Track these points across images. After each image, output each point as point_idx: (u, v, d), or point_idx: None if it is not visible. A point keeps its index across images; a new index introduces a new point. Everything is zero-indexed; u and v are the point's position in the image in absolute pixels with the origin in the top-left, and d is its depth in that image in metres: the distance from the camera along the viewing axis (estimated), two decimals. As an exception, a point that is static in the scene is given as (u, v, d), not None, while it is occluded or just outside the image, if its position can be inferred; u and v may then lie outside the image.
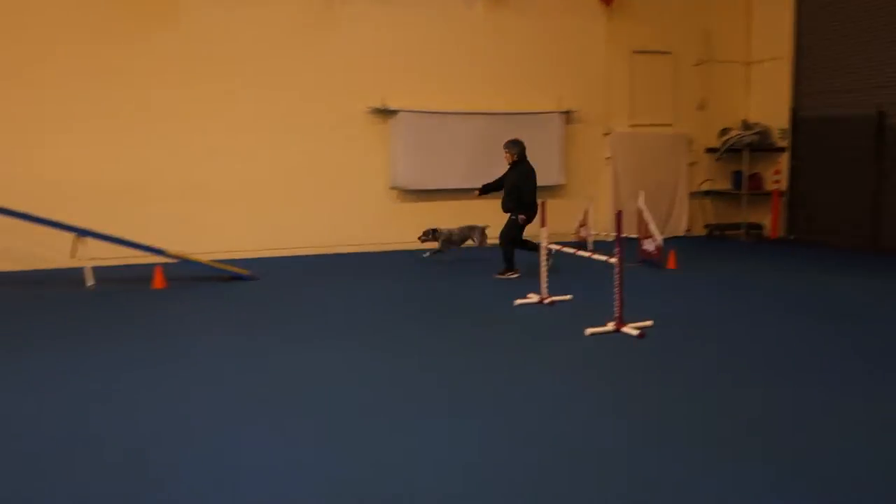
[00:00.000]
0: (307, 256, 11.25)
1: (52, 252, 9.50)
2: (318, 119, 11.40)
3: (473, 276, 9.65)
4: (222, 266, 9.65)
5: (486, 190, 9.71)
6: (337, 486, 3.75)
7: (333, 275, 9.97)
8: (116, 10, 10.38)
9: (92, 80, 10.35)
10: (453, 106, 12.02)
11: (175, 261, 9.51)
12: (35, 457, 4.16)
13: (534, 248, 9.51)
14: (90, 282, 8.99)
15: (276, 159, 11.26)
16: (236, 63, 10.95)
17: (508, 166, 9.47)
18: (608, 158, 13.25)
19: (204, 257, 9.89)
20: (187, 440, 4.37)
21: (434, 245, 10.65)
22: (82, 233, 9.06)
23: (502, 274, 9.52)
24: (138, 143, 10.59)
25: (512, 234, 9.43)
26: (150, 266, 9.32)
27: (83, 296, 8.69)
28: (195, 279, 9.44)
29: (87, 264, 9.06)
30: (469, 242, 10.73)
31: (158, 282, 9.04)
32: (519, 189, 9.28)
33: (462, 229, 10.61)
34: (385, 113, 11.72)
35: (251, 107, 11.08)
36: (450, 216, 11.16)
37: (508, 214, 9.41)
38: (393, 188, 11.86)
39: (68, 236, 9.12)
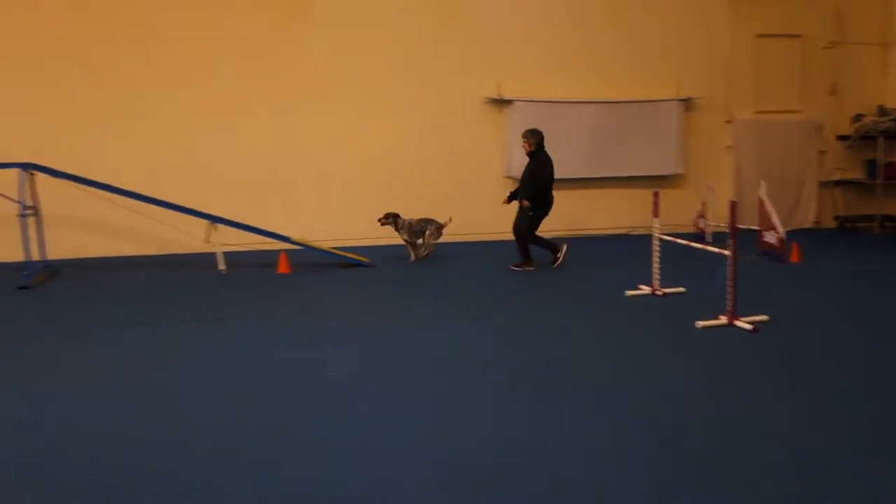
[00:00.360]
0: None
1: (189, 238, 10.18)
2: (436, 108, 11.62)
3: (580, 266, 9.64)
4: (342, 253, 10.06)
5: (514, 197, 9.56)
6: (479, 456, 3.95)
7: (447, 263, 10.19)
8: (257, 2, 10.98)
9: (227, 75, 10.95)
10: (569, 95, 11.97)
11: (299, 247, 10.01)
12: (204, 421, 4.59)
13: (547, 245, 9.52)
14: (222, 266, 9.60)
15: (394, 148, 11.56)
16: (359, 52, 11.31)
17: (527, 156, 9.35)
18: (729, 147, 12.84)
19: (325, 244, 10.35)
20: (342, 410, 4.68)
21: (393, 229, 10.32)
22: (215, 220, 9.67)
23: (518, 266, 9.41)
24: (266, 134, 11.14)
25: (523, 225, 9.33)
26: (276, 252, 9.84)
27: (217, 278, 9.30)
28: (317, 265, 9.90)
29: (219, 249, 9.68)
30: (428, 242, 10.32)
31: (283, 266, 9.56)
32: (534, 177, 9.17)
33: (419, 222, 10.28)
34: (500, 103, 11.83)
35: (371, 96, 11.42)
36: (564, 207, 11.15)
37: (518, 204, 9.36)
38: (507, 178, 11.97)
39: (203, 223, 9.77)
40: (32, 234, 9.21)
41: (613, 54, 12.17)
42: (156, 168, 10.63)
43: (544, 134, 9.35)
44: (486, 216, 11.71)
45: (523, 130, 9.51)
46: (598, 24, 12.11)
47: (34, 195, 9.34)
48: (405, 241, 10.30)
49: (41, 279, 9.12)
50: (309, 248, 10.07)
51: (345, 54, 11.30)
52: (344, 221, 11.27)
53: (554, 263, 9.47)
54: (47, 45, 10.40)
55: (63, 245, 10.13)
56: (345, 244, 10.65)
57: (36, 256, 9.30)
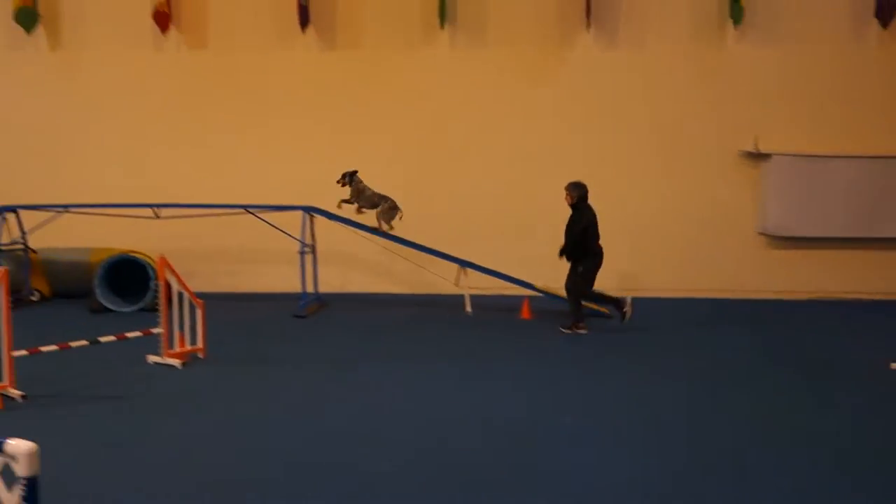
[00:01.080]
0: (665, 299, 11.29)
1: (439, 280, 10.86)
2: (688, 160, 11.45)
3: (848, 330, 8.91)
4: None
5: (564, 252, 9.06)
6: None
7: (693, 319, 9.92)
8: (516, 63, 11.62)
9: (486, 127, 11.62)
10: (833, 149, 11.22)
11: (541, 294, 10.28)
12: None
13: (609, 300, 9.13)
14: (468, 308, 10.12)
15: (643, 199, 11.52)
16: (606, 107, 11.49)
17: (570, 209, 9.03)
18: None
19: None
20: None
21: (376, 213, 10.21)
22: (465, 265, 10.25)
23: (569, 328, 8.96)
24: (516, 183, 11.61)
25: (574, 283, 8.94)
26: (520, 297, 10.18)
27: (464, 319, 9.82)
28: (558, 313, 10.09)
29: (467, 292, 10.22)
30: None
31: (526, 312, 9.87)
32: (568, 231, 8.88)
33: (376, 195, 10.09)
34: (757, 156, 11.37)
35: (623, 148, 11.51)
36: (829, 267, 10.48)
37: (569, 263, 8.99)
38: (761, 234, 11.42)
39: (453, 266, 10.39)
40: (309, 269, 10.37)
41: (878, 107, 11.23)
42: (415, 213, 11.44)
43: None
44: (741, 272, 11.30)
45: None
46: (870, 72, 11.27)
47: (313, 235, 10.53)
48: (355, 203, 10.12)
49: (314, 310, 10.22)
50: (551, 296, 10.31)
51: (592, 110, 11.53)
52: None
53: (623, 319, 9.04)
54: (331, 97, 11.73)
55: (331, 280, 11.25)
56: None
57: (310, 289, 10.44)
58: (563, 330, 9.02)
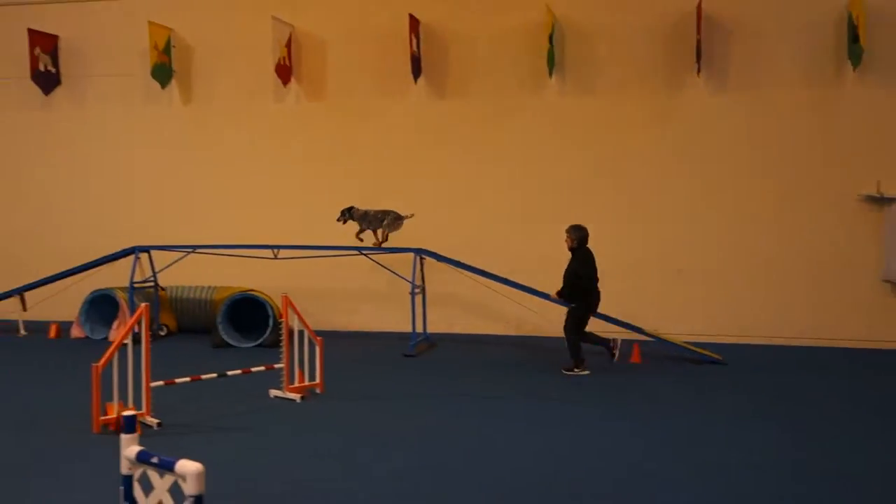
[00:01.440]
0: (780, 346, 10.93)
1: (543, 321, 10.89)
2: (806, 204, 11.11)
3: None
4: (694, 348, 9.99)
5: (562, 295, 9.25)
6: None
7: (810, 368, 9.57)
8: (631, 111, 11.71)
9: (597, 171, 11.71)
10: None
11: (651, 339, 10.16)
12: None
13: (598, 341, 9.37)
14: (575, 351, 10.10)
15: (755, 243, 11.26)
16: (720, 149, 11.35)
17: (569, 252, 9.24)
18: None
19: (677, 338, 10.37)
20: None
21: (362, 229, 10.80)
22: (568, 305, 10.25)
23: (569, 370, 9.06)
24: (622, 227, 11.56)
25: (570, 324, 9.10)
26: (629, 342, 10.10)
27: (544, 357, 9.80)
28: (669, 358, 9.94)
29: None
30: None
31: (636, 356, 9.78)
32: (575, 276, 9.03)
33: (378, 213, 10.71)
34: (880, 201, 10.95)
35: (730, 192, 11.32)
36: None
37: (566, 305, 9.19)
38: (886, 281, 10.93)
39: (559, 308, 10.40)
40: (418, 309, 10.62)
41: None
42: (524, 255, 11.56)
43: None
44: (858, 322, 10.87)
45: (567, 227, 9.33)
46: None
47: (423, 276, 10.80)
48: (361, 227, 10.78)
49: (423, 349, 10.44)
50: (661, 341, 10.17)
51: (701, 154, 11.41)
52: (699, 317, 11.21)
53: (614, 359, 9.35)
54: (440, 144, 12.09)
55: (438, 320, 11.46)
56: (699, 339, 10.57)
57: (419, 329, 10.68)
58: (564, 372, 9.10)
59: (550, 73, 11.48)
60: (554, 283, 10.75)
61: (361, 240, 10.88)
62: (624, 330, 10.21)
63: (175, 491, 2.80)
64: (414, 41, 11.66)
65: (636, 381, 8.82)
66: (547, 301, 10.25)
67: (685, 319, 11.20)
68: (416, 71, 11.79)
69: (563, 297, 9.21)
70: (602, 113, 11.65)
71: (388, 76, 12.15)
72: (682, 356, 9.95)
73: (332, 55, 12.41)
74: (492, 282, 10.59)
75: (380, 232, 10.83)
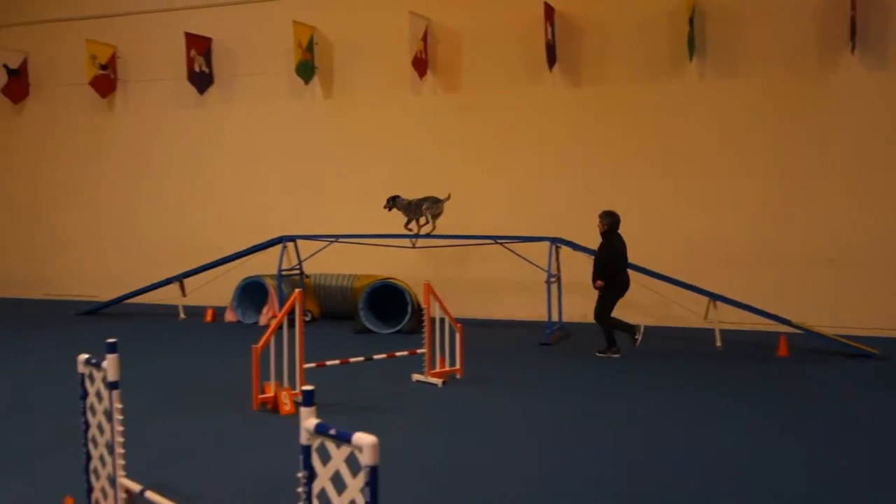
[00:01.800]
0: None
1: (686, 312, 10.64)
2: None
3: None
4: (847, 342, 9.48)
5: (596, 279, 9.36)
6: None
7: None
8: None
9: (738, 157, 11.32)
10: None
11: (800, 331, 9.73)
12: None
13: (624, 327, 9.33)
14: (718, 343, 9.81)
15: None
16: (872, 133, 10.70)
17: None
18: None
19: (828, 330, 9.88)
20: None
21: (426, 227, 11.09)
22: (715, 297, 9.97)
23: (602, 353, 9.31)
24: (769, 214, 11.11)
25: (601, 309, 9.28)
26: (775, 334, 9.71)
27: (713, 354, 9.53)
28: (819, 351, 9.49)
29: (717, 327, 9.91)
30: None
31: (783, 350, 9.39)
32: (605, 260, 9.18)
33: (418, 201, 11.05)
34: None
35: (889, 176, 10.66)
36: None
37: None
38: None
39: (701, 299, 10.14)
40: (554, 298, 10.62)
41: None
42: (664, 243, 11.32)
43: None
44: None
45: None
46: None
47: (558, 265, 10.79)
48: (413, 216, 11.14)
49: (558, 338, 10.44)
50: (811, 333, 9.72)
51: (856, 137, 10.77)
52: (851, 308, 10.62)
53: (634, 345, 9.29)
54: (577, 132, 12.02)
55: (574, 310, 11.42)
56: (851, 332, 10.03)
57: (555, 318, 10.68)
58: (597, 354, 9.36)
59: (691, 57, 11.16)
60: (701, 273, 10.55)
61: (411, 229, 11.21)
62: (772, 322, 9.85)
63: (351, 461, 2.98)
64: (549, 29, 11.63)
65: (779, 374, 8.49)
66: (686, 290, 10.04)
67: (836, 312, 10.63)
68: (551, 59, 11.76)
69: (596, 280, 9.31)
70: (746, 96, 11.22)
71: (523, 65, 12.18)
72: (833, 350, 9.47)
73: (467, 46, 12.57)
74: (629, 271, 10.44)
75: (422, 220, 11.12)
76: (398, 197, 11.33)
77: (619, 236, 9.43)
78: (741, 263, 11.14)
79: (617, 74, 11.82)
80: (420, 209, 11.08)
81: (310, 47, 13.11)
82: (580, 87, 12.02)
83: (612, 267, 9.26)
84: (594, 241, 10.66)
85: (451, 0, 12.60)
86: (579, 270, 11.17)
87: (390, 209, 11.36)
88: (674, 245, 11.32)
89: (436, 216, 11.03)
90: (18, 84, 15.18)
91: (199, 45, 13.85)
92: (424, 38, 12.45)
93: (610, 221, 9.39)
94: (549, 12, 11.67)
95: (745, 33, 11.18)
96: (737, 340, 10.03)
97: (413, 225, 11.25)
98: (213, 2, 13.90)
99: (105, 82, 14.46)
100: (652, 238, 11.35)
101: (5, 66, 15.05)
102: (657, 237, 11.42)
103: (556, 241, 10.63)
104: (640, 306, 11.53)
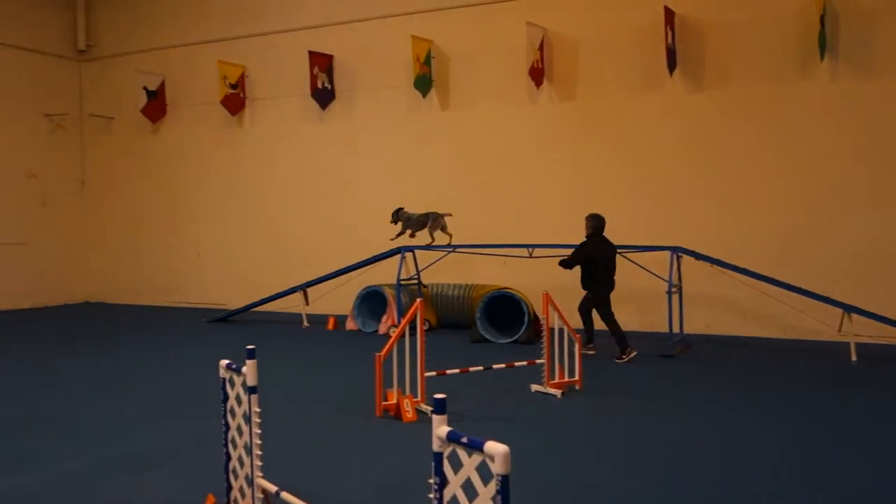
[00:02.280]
0: None
1: (818, 324, 10.12)
2: None
3: None
4: None
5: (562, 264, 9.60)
6: None
7: None
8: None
9: (869, 162, 10.71)
10: None
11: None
12: None
13: (589, 332, 9.68)
14: (853, 357, 9.28)
15: None
16: None
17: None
18: None
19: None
20: None
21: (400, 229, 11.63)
22: (850, 309, 9.44)
23: (620, 358, 9.39)
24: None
25: (583, 307, 9.57)
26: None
27: (849, 369, 9.02)
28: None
29: (853, 339, 9.38)
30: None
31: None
32: (569, 260, 9.47)
33: (421, 216, 11.41)
34: None
35: None
36: None
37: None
38: None
39: (834, 311, 9.63)
40: (675, 309, 10.35)
41: None
42: (796, 254, 10.84)
43: None
44: None
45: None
46: None
47: (679, 275, 10.51)
48: (402, 229, 11.55)
49: (680, 350, 10.16)
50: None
51: None
52: None
53: (618, 358, 9.38)
54: (698, 139, 11.69)
55: (695, 321, 11.09)
56: None
57: (676, 329, 10.41)
58: (617, 360, 9.37)
59: (822, 56, 10.65)
60: (825, 283, 10.05)
61: (413, 237, 11.67)
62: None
63: (482, 469, 3.01)
64: (669, 34, 11.38)
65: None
66: (818, 301, 9.57)
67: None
68: (672, 64, 11.50)
69: (562, 264, 9.62)
70: (882, 97, 10.59)
71: (642, 72, 11.97)
72: None
73: (584, 54, 12.47)
74: (754, 280, 10.06)
75: (430, 233, 11.48)
76: (401, 210, 11.79)
77: (604, 239, 9.63)
78: (884, 272, 10.50)
79: (740, 77, 11.41)
80: (422, 224, 11.58)
81: (427, 61, 13.36)
82: (702, 93, 11.69)
83: (591, 269, 9.54)
84: (718, 251, 10.37)
85: (568, 8, 12.55)
86: (702, 280, 10.88)
87: (395, 222, 11.79)
88: (797, 253, 10.80)
89: (434, 230, 11.47)
90: (156, 105, 16.22)
91: (322, 63, 14.36)
92: (541, 48, 12.44)
93: (593, 224, 9.65)
94: (670, 16, 11.42)
95: (882, 31, 10.57)
96: (877, 355, 9.44)
97: (404, 237, 11.74)
98: (334, 20, 14.40)
99: (234, 100, 15.24)
100: (777, 246, 10.92)
101: (144, 87, 16.11)
102: (783, 245, 10.96)
103: (678, 251, 10.35)
104: (764, 317, 11.10)
